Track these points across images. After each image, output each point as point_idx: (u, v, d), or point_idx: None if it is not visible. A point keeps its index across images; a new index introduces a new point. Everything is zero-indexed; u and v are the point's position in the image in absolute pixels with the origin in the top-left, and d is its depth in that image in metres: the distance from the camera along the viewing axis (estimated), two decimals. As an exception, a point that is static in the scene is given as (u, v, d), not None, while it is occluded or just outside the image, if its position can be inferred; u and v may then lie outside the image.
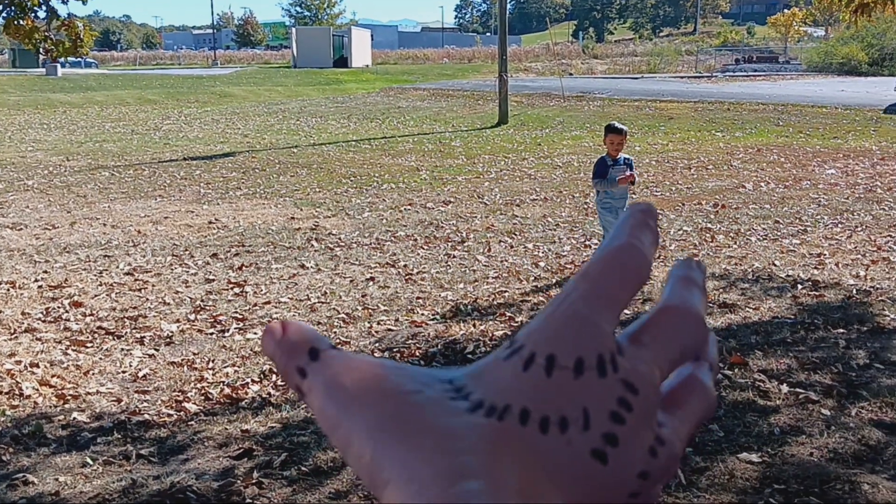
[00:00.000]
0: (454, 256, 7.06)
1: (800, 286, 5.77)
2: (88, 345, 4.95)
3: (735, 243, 7.26)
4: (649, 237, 0.33)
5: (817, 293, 5.58)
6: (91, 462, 3.31)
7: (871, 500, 2.84)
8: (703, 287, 0.35)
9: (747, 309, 5.25)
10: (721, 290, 5.74)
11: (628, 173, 6.10)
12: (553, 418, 0.29)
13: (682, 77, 35.80)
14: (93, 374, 4.47)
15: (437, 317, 5.34)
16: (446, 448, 0.27)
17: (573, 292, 0.31)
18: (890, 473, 3.04)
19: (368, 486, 0.28)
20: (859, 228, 7.75)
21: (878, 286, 5.72)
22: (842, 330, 4.75)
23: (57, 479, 3.16)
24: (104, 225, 8.64)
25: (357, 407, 0.29)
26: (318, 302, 5.76)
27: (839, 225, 7.93)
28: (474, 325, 5.08)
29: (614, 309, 0.31)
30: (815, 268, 6.32)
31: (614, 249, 0.32)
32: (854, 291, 5.58)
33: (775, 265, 6.42)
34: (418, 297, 5.82)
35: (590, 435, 0.29)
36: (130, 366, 4.57)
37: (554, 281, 6.16)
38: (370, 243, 7.62)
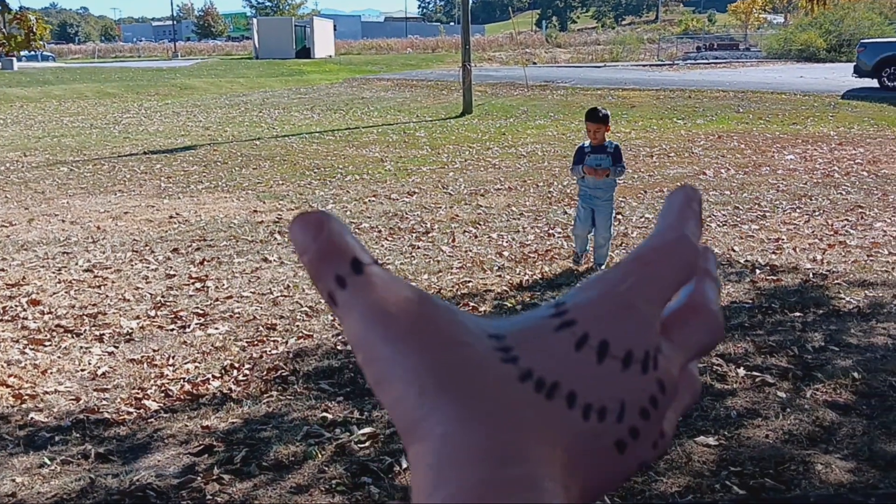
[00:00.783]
0: (418, 247, 7.05)
1: (758, 271, 5.86)
2: (46, 343, 4.88)
3: (695, 230, 7.34)
4: (696, 225, 0.34)
5: (775, 277, 5.66)
6: (49, 462, 3.27)
7: (825, 480, 2.90)
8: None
9: (707, 294, 5.31)
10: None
11: (600, 168, 5.86)
12: (595, 406, 0.28)
13: (644, 65, 36.03)
14: (51, 372, 4.41)
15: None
16: (499, 421, 0.26)
17: (628, 278, 0.31)
18: (843, 453, 3.11)
19: (399, 429, 0.27)
20: (817, 213, 7.88)
21: (834, 270, 5.82)
22: (798, 313, 4.83)
23: (14, 480, 3.11)
24: (63, 221, 8.51)
25: (405, 344, 0.27)
26: (281, 296, 5.73)
27: (797, 210, 8.05)
28: (437, 316, 5.09)
29: (663, 303, 0.31)
30: (773, 252, 6.41)
31: (671, 241, 0.32)
32: (811, 275, 5.68)
33: (734, 250, 6.50)
34: (382, 289, 5.81)
35: (620, 427, 0.29)
36: (89, 364, 4.52)
37: (518, 270, 6.18)
38: (334, 235, 7.58)
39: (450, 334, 0.28)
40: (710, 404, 3.56)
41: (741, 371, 3.92)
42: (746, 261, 6.17)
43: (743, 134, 14.31)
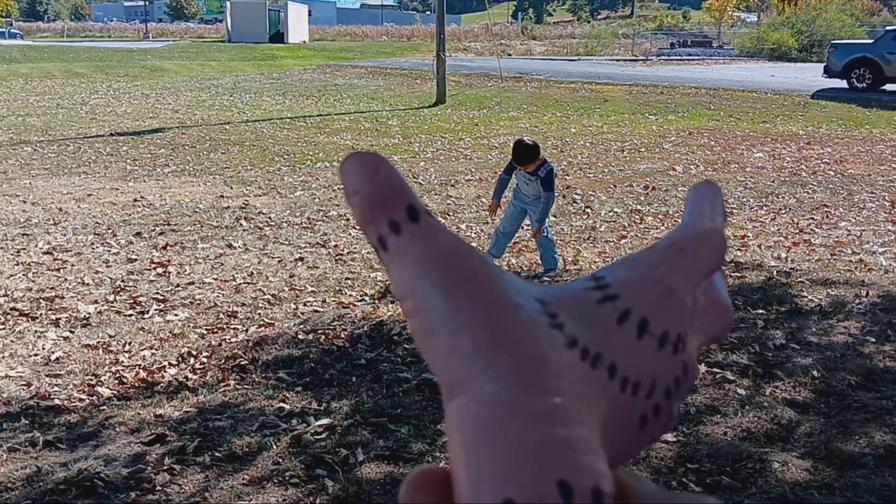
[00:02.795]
0: (385, 237, 6.99)
1: (723, 267, 5.86)
2: (0, 326, 4.76)
3: (663, 225, 7.36)
4: (724, 219, 0.35)
5: (739, 274, 5.68)
6: (-6, 450, 3.18)
7: (781, 478, 2.90)
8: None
9: (671, 290, 5.32)
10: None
11: (535, 230, 5.60)
12: (632, 380, 0.29)
13: (618, 60, 36.14)
14: (3, 356, 4.30)
15: (366, 298, 5.28)
16: (552, 384, 0.27)
17: (664, 263, 0.32)
18: (800, 451, 3.11)
19: (442, 380, 0.27)
20: (783, 211, 7.93)
21: (798, 268, 5.86)
22: (761, 310, 4.84)
23: (-44, 468, 3.02)
24: (24, 202, 8.33)
25: (461, 298, 0.27)
26: (244, 283, 5.65)
27: (764, 207, 8.10)
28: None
29: (694, 291, 0.32)
30: (739, 249, 6.44)
31: (704, 232, 0.33)
32: (775, 273, 5.70)
33: (701, 247, 6.51)
34: (347, 278, 5.75)
35: (647, 403, 0.30)
36: (43, 349, 4.41)
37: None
38: (301, 223, 7.50)
39: (504, 294, 0.28)
40: (671, 400, 3.56)
41: (702, 367, 3.91)
42: (712, 257, 6.18)
43: (713, 131, 14.39)
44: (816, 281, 5.51)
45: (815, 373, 3.84)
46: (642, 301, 0.30)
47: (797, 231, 7.12)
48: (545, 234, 5.75)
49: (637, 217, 7.68)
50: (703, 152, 11.90)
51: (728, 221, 5.46)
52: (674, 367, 0.31)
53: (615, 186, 9.25)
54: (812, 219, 7.59)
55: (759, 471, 2.92)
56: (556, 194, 5.92)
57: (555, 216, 7.76)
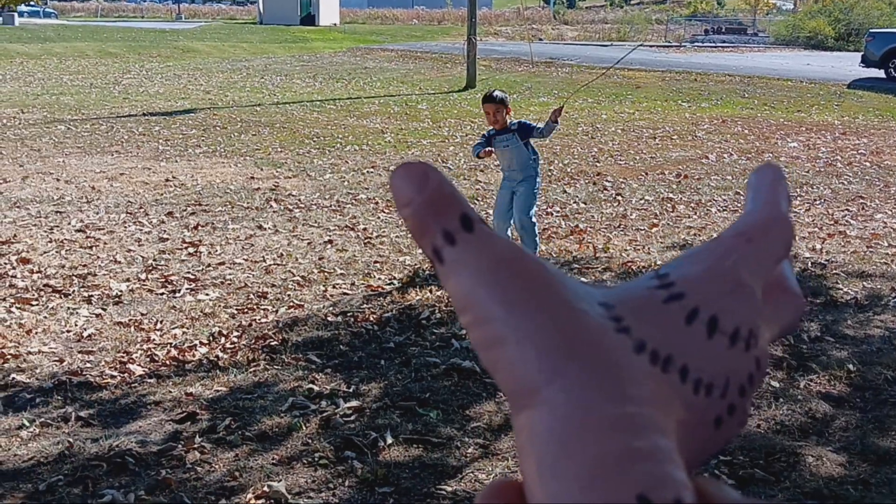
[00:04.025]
0: (414, 221, 6.97)
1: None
2: (33, 303, 4.82)
3: (696, 214, 7.27)
4: (789, 203, 0.33)
5: (773, 265, 5.60)
6: (28, 424, 3.22)
7: (815, 473, 2.85)
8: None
9: (704, 280, 5.25)
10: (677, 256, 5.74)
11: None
12: (705, 381, 0.28)
13: (651, 46, 35.76)
14: (36, 332, 4.35)
15: (395, 282, 5.28)
16: (625, 391, 0.26)
17: (732, 253, 0.31)
18: (835, 446, 3.06)
19: (510, 392, 0.26)
20: (818, 202, 7.81)
21: (833, 259, 5.76)
22: (795, 302, 4.77)
23: (-9, 442, 3.06)
24: (58, 180, 8.42)
25: (524, 307, 0.26)
26: (274, 264, 5.67)
27: (798, 198, 7.97)
28: (431, 292, 5.03)
29: (763, 281, 0.31)
30: (773, 240, 6.35)
31: (771, 218, 0.32)
32: (810, 264, 5.62)
33: (734, 236, 6.43)
34: (376, 262, 5.75)
35: (721, 403, 0.29)
36: (76, 325, 4.46)
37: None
38: (330, 205, 7.50)
39: (567, 299, 0.27)
40: (703, 391, 3.52)
41: (735, 359, 3.87)
42: (745, 247, 6.10)
43: (747, 119, 14.20)
44: (852, 273, 5.42)
45: (850, 366, 3.78)
46: (710, 297, 0.29)
47: (832, 222, 7.01)
48: (530, 217, 5.49)
49: (669, 205, 7.59)
50: (736, 141, 11.74)
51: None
52: (747, 364, 0.30)
53: (646, 174, 9.16)
54: (847, 210, 7.46)
55: (793, 465, 2.88)
56: (538, 152, 5.60)
57: (585, 202, 7.71)
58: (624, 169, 9.52)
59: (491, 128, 5.44)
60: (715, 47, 35.26)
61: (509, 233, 5.65)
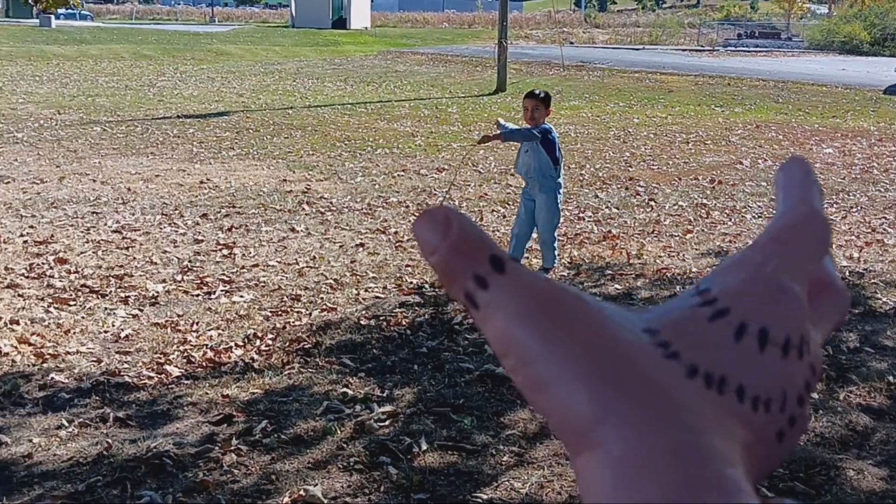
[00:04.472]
0: (446, 225, 6.97)
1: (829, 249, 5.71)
2: (71, 303, 4.88)
3: (730, 220, 7.20)
4: (821, 198, 0.32)
5: (810, 274, 5.52)
6: (67, 424, 3.26)
7: (856, 487, 2.81)
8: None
9: (739, 288, 5.19)
10: (715, 267, 5.64)
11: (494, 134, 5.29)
12: (762, 397, 0.28)
13: (683, 50, 35.51)
14: (74, 332, 4.40)
15: (426, 286, 5.28)
16: (683, 421, 0.25)
17: (771, 259, 0.30)
18: (876, 459, 3.01)
19: (563, 435, 0.25)
20: (854, 209, 7.70)
21: (871, 269, 5.68)
22: (833, 312, 4.70)
23: (31, 441, 3.10)
24: (94, 181, 8.53)
25: (568, 346, 0.25)
26: (307, 266, 5.70)
27: (834, 205, 7.87)
28: (463, 296, 5.02)
29: (807, 283, 0.30)
30: (809, 248, 6.26)
31: (805, 217, 0.31)
32: (847, 273, 5.53)
33: (769, 244, 6.36)
34: (408, 265, 5.75)
35: (781, 417, 0.28)
36: (113, 325, 4.51)
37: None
38: (362, 208, 7.53)
39: (611, 332, 0.26)
40: (740, 402, 3.47)
41: (773, 369, 3.82)
42: (781, 255, 6.02)
43: (781, 125, 14.04)
44: (891, 283, 5.33)
45: (890, 378, 3.71)
46: (756, 309, 0.28)
47: (869, 230, 6.90)
48: (553, 235, 5.43)
49: (703, 211, 7.53)
50: (770, 146, 11.62)
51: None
52: (802, 372, 0.29)
53: (680, 179, 9.09)
54: (885, 218, 7.35)
55: (834, 478, 2.84)
56: (562, 161, 5.53)
57: (617, 207, 7.66)
58: (657, 174, 9.45)
59: (526, 125, 5.43)
60: (748, 51, 34.93)
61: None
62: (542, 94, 5.39)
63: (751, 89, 19.46)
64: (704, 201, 7.96)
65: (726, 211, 7.56)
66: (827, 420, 3.29)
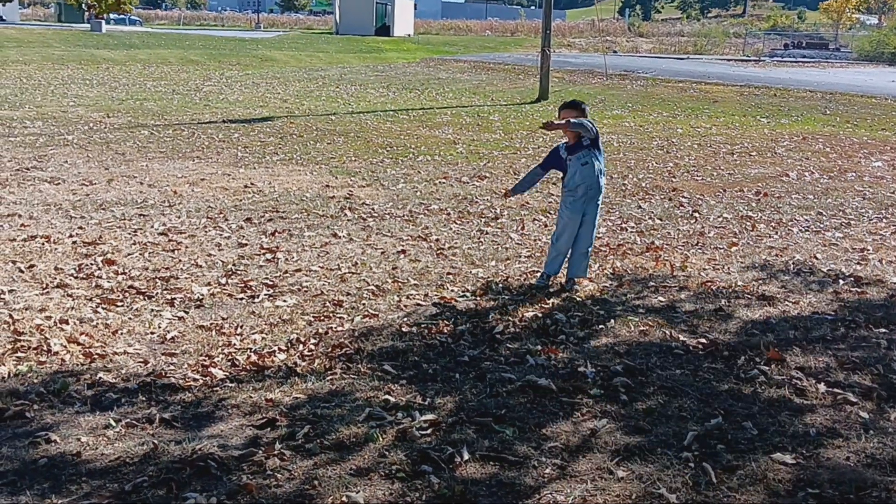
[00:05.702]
0: (487, 233, 6.97)
1: (841, 281, 5.61)
2: (119, 303, 4.96)
3: (776, 233, 7.09)
4: None
5: (859, 290, 5.41)
6: (114, 424, 3.30)
7: (909, 511, 2.73)
8: None
9: (786, 302, 5.11)
10: (761, 281, 5.60)
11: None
12: None
13: (728, 60, 35.09)
14: (121, 333, 4.47)
15: (468, 294, 5.27)
16: None
17: None
18: (929, 483, 2.93)
19: None
20: (906, 224, 7.52)
21: (923, 286, 5.54)
22: (884, 329, 4.60)
23: (79, 440, 3.15)
24: (141, 183, 8.67)
25: None
26: (349, 272, 5.72)
27: (884, 220, 7.71)
28: (505, 305, 5.01)
29: None
30: (858, 263, 6.14)
31: None
32: (898, 290, 5.41)
33: (817, 258, 6.25)
34: (449, 273, 5.75)
35: None
36: (159, 327, 4.57)
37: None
38: (403, 215, 7.55)
39: None
40: (788, 419, 3.41)
41: (822, 387, 3.74)
42: (829, 269, 5.91)
43: (829, 137, 13.80)
44: (944, 301, 5.20)
45: (944, 399, 3.61)
46: None
47: (921, 246, 6.74)
48: (593, 241, 5.42)
49: (748, 224, 7.42)
50: (817, 158, 11.42)
51: (846, 232, 5.20)
52: None
53: (724, 191, 8.97)
54: (938, 234, 7.17)
55: (885, 500, 2.77)
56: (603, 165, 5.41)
57: (660, 218, 7.58)
58: (701, 185, 9.34)
59: (564, 141, 5.37)
60: (795, 62, 34.40)
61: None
62: (580, 105, 5.34)
63: (797, 100, 19.16)
64: (750, 213, 7.85)
65: (772, 224, 7.44)
66: (878, 441, 3.21)
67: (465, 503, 2.74)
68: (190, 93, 18.44)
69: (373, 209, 7.77)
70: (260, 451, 3.05)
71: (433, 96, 19.51)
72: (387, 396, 3.60)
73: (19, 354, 4.11)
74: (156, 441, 3.11)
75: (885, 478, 2.92)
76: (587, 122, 5.21)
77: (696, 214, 7.79)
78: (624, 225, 7.35)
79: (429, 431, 3.26)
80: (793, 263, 6.09)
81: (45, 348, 4.18)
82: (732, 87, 21.38)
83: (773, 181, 9.62)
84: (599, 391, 3.69)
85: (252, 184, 8.80)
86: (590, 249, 5.44)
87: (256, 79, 22.65)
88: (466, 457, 3.04)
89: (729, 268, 5.95)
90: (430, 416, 3.38)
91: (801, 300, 5.16)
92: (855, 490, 2.82)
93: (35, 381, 3.76)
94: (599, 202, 5.41)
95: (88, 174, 9.06)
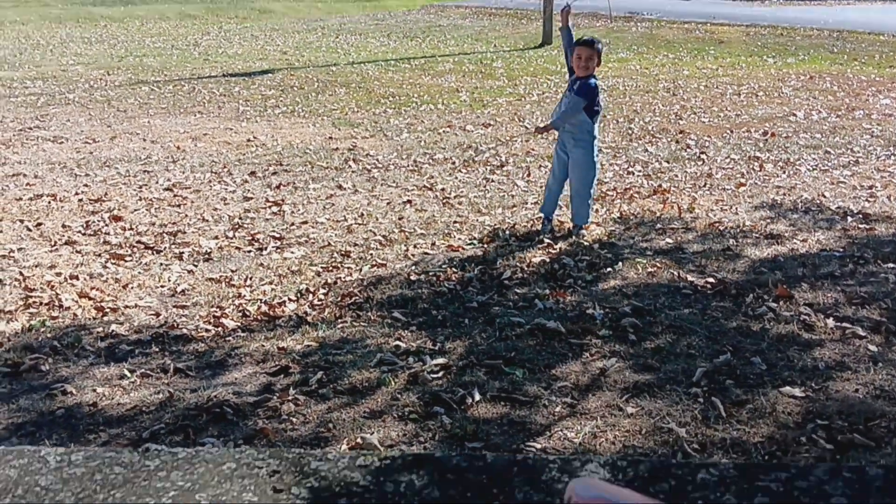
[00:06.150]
0: (492, 181, 6.95)
1: (850, 218, 5.59)
2: (127, 259, 4.98)
3: (784, 173, 7.05)
4: None
5: (868, 226, 5.40)
6: (129, 374, 3.35)
7: (917, 440, 2.76)
8: None
9: (795, 240, 5.10)
10: (769, 220, 5.58)
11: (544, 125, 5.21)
12: None
13: None
14: (132, 287, 4.50)
15: (475, 241, 5.28)
16: None
17: None
18: (937, 413, 2.96)
19: None
20: (914, 161, 7.47)
21: (932, 221, 5.52)
22: (892, 265, 4.60)
23: (95, 391, 3.19)
24: (144, 140, 8.64)
25: None
26: (355, 223, 5.73)
27: (892, 157, 7.65)
28: (512, 251, 5.02)
29: None
30: (867, 200, 6.11)
31: None
32: (906, 225, 5.39)
33: (825, 196, 6.22)
34: (455, 222, 5.75)
35: None
36: (169, 280, 4.60)
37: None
38: (408, 165, 7.52)
39: None
40: (797, 354, 3.43)
41: (830, 321, 3.76)
42: (838, 207, 5.89)
43: (836, 75, 13.62)
44: (953, 235, 5.19)
45: (953, 331, 3.63)
46: None
47: (930, 182, 6.70)
48: (589, 193, 5.33)
49: (756, 164, 7.37)
50: (825, 97, 11.29)
51: (854, 170, 5.17)
52: None
53: (731, 132, 8.90)
54: (947, 169, 7.12)
55: (894, 430, 2.80)
56: (600, 113, 5.32)
57: (667, 161, 7.54)
58: (708, 126, 9.27)
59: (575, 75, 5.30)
60: (802, 0, 33.79)
61: (559, 202, 5.54)
62: (593, 43, 5.24)
63: (804, 39, 18.87)
64: (757, 154, 7.79)
65: (780, 163, 7.39)
66: (886, 373, 3.24)
67: (478, 441, 2.78)
68: (189, 48, 18.25)
69: (377, 160, 7.74)
70: (274, 397, 3.09)
71: (435, 44, 19.27)
72: (397, 342, 3.63)
73: (31, 310, 4.14)
74: (171, 389, 3.15)
75: (894, 408, 2.95)
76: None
77: (704, 156, 7.74)
78: (631, 168, 7.31)
79: (440, 375, 3.29)
80: (801, 202, 6.06)
81: (56, 304, 4.21)
82: (738, 28, 21.05)
83: (780, 121, 9.53)
84: (608, 332, 3.71)
85: (255, 137, 8.76)
86: (585, 196, 5.35)
87: (255, 31, 22.39)
88: (478, 398, 3.07)
89: (737, 208, 5.93)
90: (440, 360, 3.41)
91: (809, 238, 5.16)
92: (864, 421, 2.85)
93: (48, 335, 3.80)
94: (589, 147, 5.29)
95: (91, 132, 9.03)
